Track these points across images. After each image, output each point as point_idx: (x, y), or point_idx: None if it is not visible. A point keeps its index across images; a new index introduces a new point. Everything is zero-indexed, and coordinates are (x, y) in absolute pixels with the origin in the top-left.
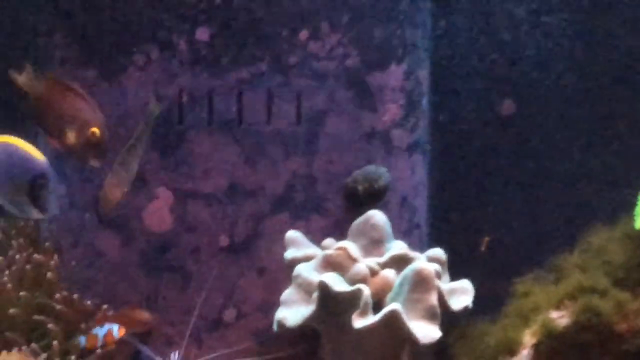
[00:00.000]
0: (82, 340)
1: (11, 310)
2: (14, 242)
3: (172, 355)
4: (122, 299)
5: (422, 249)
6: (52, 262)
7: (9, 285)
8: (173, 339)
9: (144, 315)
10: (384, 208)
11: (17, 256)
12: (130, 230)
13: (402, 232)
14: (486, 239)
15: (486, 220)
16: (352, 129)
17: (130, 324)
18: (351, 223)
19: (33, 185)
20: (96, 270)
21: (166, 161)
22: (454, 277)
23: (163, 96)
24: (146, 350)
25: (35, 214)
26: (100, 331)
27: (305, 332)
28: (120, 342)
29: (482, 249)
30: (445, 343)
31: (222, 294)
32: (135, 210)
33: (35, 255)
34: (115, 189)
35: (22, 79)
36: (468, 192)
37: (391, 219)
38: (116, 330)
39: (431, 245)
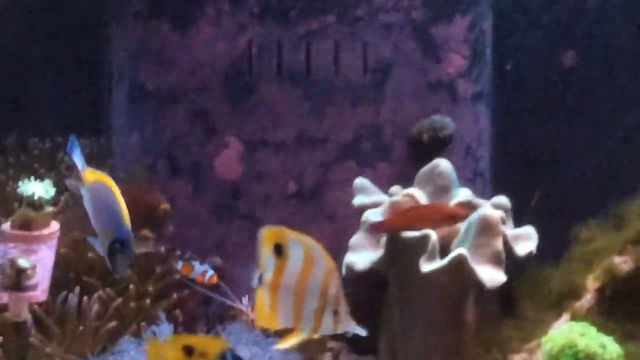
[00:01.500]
0: (179, 264)
1: (89, 255)
2: None
3: (243, 299)
4: (193, 244)
5: (485, 197)
6: None
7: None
8: (243, 284)
9: None
10: (448, 157)
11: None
12: (201, 179)
13: (466, 180)
14: (537, 193)
15: (549, 168)
16: (417, 80)
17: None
18: (416, 171)
19: (112, 246)
20: None
21: (236, 111)
22: (518, 224)
23: (233, 47)
24: (216, 296)
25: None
26: (198, 267)
27: (373, 277)
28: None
29: (533, 204)
30: (510, 287)
31: None
32: (206, 158)
33: None
34: None
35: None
36: (530, 141)
37: (455, 167)
38: (209, 275)
39: (494, 193)
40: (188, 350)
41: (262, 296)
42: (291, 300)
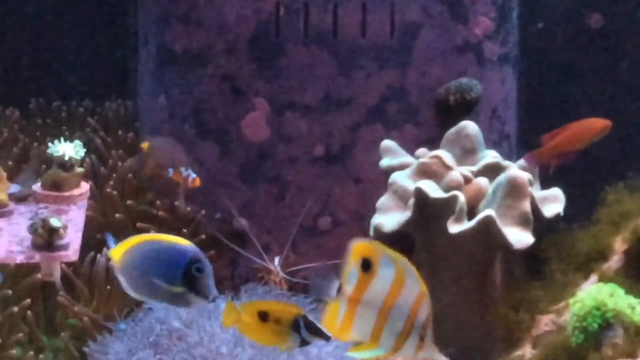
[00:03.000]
0: (170, 172)
1: (117, 216)
2: (113, 153)
3: (275, 259)
4: (221, 206)
5: (511, 159)
6: None
7: (114, 193)
8: (269, 246)
9: None
10: (474, 119)
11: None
12: (228, 141)
13: (493, 142)
14: (554, 161)
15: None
16: (444, 42)
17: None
18: (443, 134)
19: (188, 274)
20: None
21: (263, 73)
22: (544, 187)
23: (261, 9)
24: (247, 254)
25: (196, 301)
26: (184, 171)
27: (400, 239)
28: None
29: (551, 172)
30: (538, 249)
31: (318, 203)
32: (233, 121)
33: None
34: None
35: None
36: (556, 104)
37: (482, 129)
38: (191, 179)
39: (520, 156)
40: (263, 316)
41: (337, 307)
42: (372, 318)
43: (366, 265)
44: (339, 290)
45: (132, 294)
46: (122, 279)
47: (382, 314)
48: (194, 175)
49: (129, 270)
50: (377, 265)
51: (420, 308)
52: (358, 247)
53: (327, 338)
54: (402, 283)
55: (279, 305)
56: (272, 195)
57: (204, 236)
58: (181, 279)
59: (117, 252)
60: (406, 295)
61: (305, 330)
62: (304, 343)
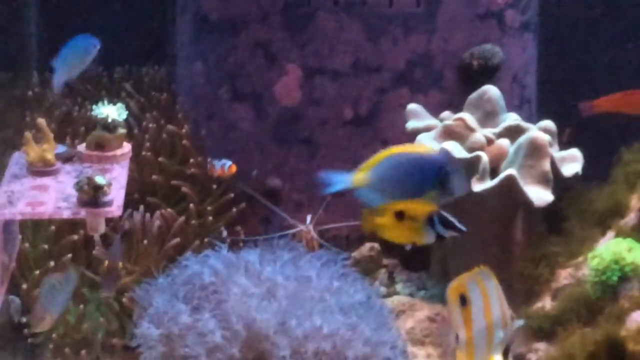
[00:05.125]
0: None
1: (154, 177)
2: (148, 115)
3: (307, 218)
4: (254, 166)
5: (531, 122)
6: (184, 131)
7: (149, 154)
8: (301, 205)
9: None
10: (496, 84)
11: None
12: (262, 104)
13: (513, 107)
14: (568, 130)
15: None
16: (467, 9)
17: None
18: (465, 98)
19: (440, 177)
20: (230, 140)
21: (295, 40)
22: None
23: None
24: (280, 212)
25: (448, 198)
26: (217, 163)
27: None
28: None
29: (565, 139)
30: (557, 206)
31: (347, 164)
32: (267, 85)
33: (169, 126)
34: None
35: None
36: (575, 69)
37: (503, 94)
38: (227, 166)
39: (540, 119)
40: (399, 215)
41: (463, 356)
42: (484, 346)
43: (463, 301)
44: (457, 338)
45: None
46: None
47: (489, 338)
48: (229, 163)
49: (382, 183)
50: (470, 296)
51: (508, 319)
52: (453, 288)
53: (461, 231)
54: (488, 299)
55: (413, 204)
56: (303, 156)
57: (232, 195)
58: (434, 182)
59: (362, 172)
60: (495, 309)
61: (440, 225)
62: (439, 237)
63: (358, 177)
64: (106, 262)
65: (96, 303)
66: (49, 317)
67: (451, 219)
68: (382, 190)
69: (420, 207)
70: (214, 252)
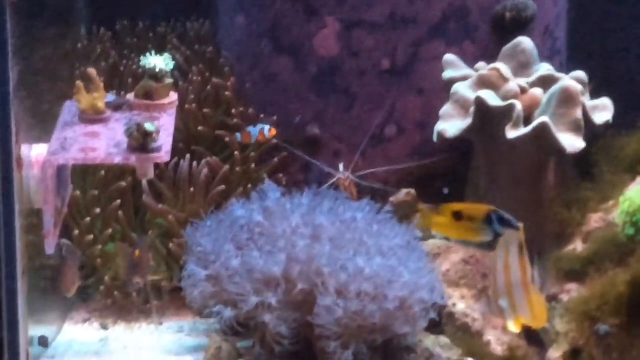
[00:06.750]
0: (238, 136)
1: (200, 128)
2: (194, 68)
3: (340, 166)
4: (294, 116)
5: (562, 72)
6: (228, 84)
7: (194, 105)
8: (339, 152)
9: None
10: (529, 36)
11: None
12: (302, 56)
13: (545, 58)
14: None
15: (621, 46)
16: None
17: None
18: (498, 50)
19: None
20: (271, 90)
21: None
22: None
23: None
24: (317, 162)
25: None
26: (253, 129)
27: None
28: (275, 147)
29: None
30: (588, 153)
31: (384, 112)
32: (306, 37)
33: (214, 79)
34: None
35: None
36: (604, 20)
37: (535, 45)
38: (267, 130)
39: (570, 69)
40: (457, 215)
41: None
42: None
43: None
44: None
45: None
46: None
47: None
48: (267, 127)
49: None
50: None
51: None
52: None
53: (517, 227)
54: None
55: (471, 205)
56: (341, 106)
57: (275, 140)
58: None
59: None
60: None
61: (497, 223)
62: (496, 235)
63: None
64: (137, 251)
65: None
66: (79, 283)
67: (508, 217)
68: None
69: (477, 208)
70: (261, 195)
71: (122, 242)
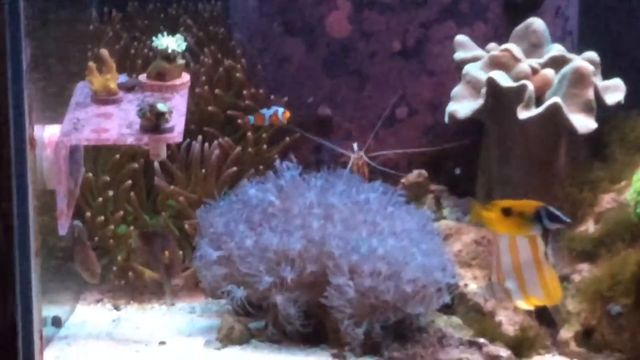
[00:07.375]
0: (251, 119)
1: (210, 108)
2: (205, 50)
3: (354, 145)
4: (307, 96)
5: (574, 53)
6: (239, 66)
7: (206, 87)
8: (351, 133)
9: None
10: (540, 16)
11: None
12: (313, 37)
13: (556, 38)
14: None
15: (632, 27)
16: None
17: None
18: (509, 31)
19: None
20: (283, 72)
21: None
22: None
23: None
24: (327, 142)
25: None
26: (266, 112)
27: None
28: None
29: None
30: (600, 133)
31: (396, 94)
32: (318, 19)
33: (226, 61)
34: None
35: None
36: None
37: (546, 26)
38: (281, 113)
39: (581, 50)
40: (506, 212)
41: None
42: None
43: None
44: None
45: None
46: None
47: None
48: (281, 110)
49: None
50: None
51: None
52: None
53: (566, 223)
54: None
55: (521, 202)
56: (353, 86)
57: (286, 121)
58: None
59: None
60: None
61: (546, 219)
62: (545, 231)
63: None
64: (167, 252)
65: (155, 227)
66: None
67: (557, 213)
68: None
69: (527, 204)
70: (274, 176)
71: (135, 224)
